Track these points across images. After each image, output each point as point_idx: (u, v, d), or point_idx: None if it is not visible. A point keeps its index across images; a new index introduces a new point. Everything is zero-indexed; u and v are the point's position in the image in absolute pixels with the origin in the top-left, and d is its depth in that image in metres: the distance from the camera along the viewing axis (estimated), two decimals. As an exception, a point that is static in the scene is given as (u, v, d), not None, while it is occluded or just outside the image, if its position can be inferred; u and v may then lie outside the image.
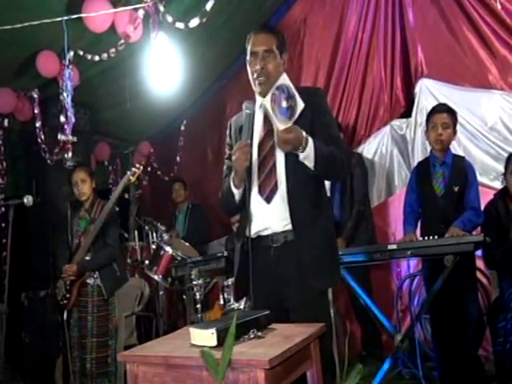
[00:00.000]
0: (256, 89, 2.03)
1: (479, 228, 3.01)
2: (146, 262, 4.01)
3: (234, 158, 1.91)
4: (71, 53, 3.59)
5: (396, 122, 4.13)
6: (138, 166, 3.40)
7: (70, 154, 3.98)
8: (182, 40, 3.66)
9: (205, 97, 5.38)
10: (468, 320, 2.83)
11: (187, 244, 4.17)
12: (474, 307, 2.91)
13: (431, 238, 2.65)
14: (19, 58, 3.76)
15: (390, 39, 4.11)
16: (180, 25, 3.37)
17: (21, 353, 4.15)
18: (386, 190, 4.16)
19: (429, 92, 3.84)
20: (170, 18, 3.35)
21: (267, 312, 1.61)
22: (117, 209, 3.67)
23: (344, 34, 4.34)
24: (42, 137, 4.15)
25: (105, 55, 3.59)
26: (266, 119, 1.97)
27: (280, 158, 1.95)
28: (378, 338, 3.69)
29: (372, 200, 4.06)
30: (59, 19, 3.28)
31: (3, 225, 3.95)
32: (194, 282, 3.03)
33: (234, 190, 1.98)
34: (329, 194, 2.84)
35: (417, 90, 3.89)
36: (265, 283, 1.91)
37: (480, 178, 3.37)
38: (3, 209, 3.85)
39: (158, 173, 5.75)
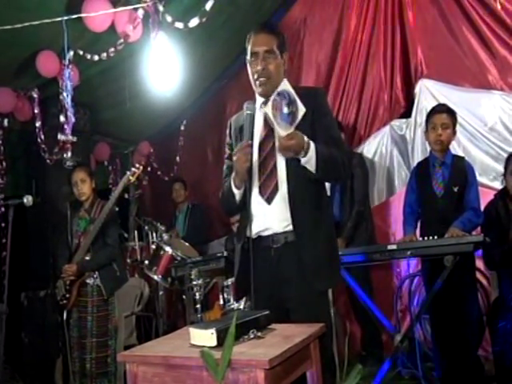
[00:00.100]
0: (257, 89, 2.03)
1: (479, 228, 3.01)
2: (146, 262, 4.01)
3: (234, 158, 1.92)
4: (71, 52, 3.59)
5: (396, 122, 4.13)
6: (137, 166, 3.40)
7: (70, 154, 3.98)
8: (182, 40, 3.66)
9: (204, 97, 5.38)
10: (468, 320, 2.83)
11: (187, 244, 4.17)
12: (474, 307, 2.91)
13: (431, 238, 2.66)
14: (19, 58, 3.76)
15: (390, 39, 4.11)
16: (179, 25, 3.37)
17: (20, 353, 4.15)
18: (386, 190, 4.15)
19: (429, 92, 3.83)
20: (169, 18, 3.35)
21: (267, 312, 1.61)
22: (116, 209, 3.66)
23: (344, 35, 4.34)
24: (42, 137, 4.15)
25: (104, 55, 3.59)
26: (267, 120, 1.97)
27: (281, 158, 1.95)
28: (377, 338, 3.69)
29: (372, 200, 4.05)
30: (59, 19, 3.28)
31: (3, 225, 3.95)
32: (194, 282, 3.02)
33: (235, 191, 1.98)
34: (329, 193, 2.84)
35: (417, 90, 3.89)
36: (265, 283, 1.91)
37: (480, 179, 3.37)
38: (3, 209, 3.85)
39: (158, 173, 5.75)
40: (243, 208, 2.00)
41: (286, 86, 1.91)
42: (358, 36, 4.25)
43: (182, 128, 5.58)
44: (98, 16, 3.30)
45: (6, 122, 4.21)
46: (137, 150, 5.81)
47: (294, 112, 1.83)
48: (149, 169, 5.70)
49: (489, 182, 3.60)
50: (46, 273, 4.35)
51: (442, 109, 3.04)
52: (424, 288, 3.19)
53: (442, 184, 2.97)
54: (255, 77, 2.00)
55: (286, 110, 1.83)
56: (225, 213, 2.50)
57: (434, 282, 2.70)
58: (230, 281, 3.15)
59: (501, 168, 3.19)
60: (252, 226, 1.94)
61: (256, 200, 1.96)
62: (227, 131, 2.18)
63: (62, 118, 3.77)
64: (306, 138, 1.84)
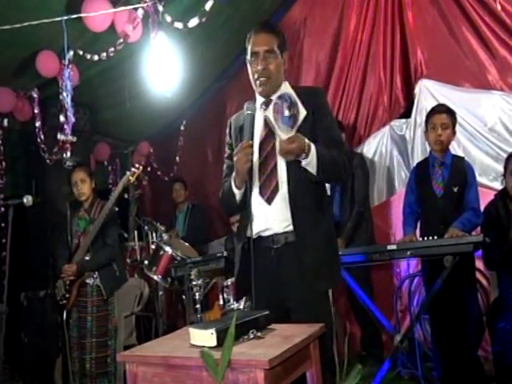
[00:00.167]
0: (257, 89, 2.03)
1: (479, 228, 3.01)
2: (146, 262, 4.00)
3: (235, 158, 1.91)
4: (71, 52, 3.59)
5: (396, 123, 4.13)
6: (137, 166, 3.40)
7: (69, 154, 3.98)
8: (182, 40, 3.66)
9: (204, 97, 5.38)
10: (467, 320, 2.83)
11: (187, 244, 4.17)
12: (474, 307, 2.91)
13: (431, 238, 2.66)
14: (19, 58, 3.76)
15: (390, 40, 4.11)
16: (179, 25, 3.37)
17: (20, 353, 4.14)
18: (386, 191, 4.16)
19: (428, 92, 3.83)
20: (168, 18, 3.35)
21: (267, 312, 1.61)
22: (116, 209, 3.66)
23: (343, 35, 4.34)
24: (42, 137, 4.15)
25: (104, 55, 3.59)
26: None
27: (281, 159, 1.94)
28: (377, 339, 3.69)
29: (372, 200, 4.05)
30: (59, 19, 3.27)
31: (3, 225, 3.95)
32: (194, 282, 3.02)
33: (235, 191, 1.98)
34: (329, 193, 2.83)
35: (416, 90, 3.89)
36: (265, 284, 1.91)
37: (479, 179, 3.37)
38: (3, 209, 3.85)
39: (158, 173, 5.75)
40: (243, 208, 2.00)
41: (287, 88, 1.92)
42: (358, 36, 4.25)
43: (182, 128, 5.58)
44: (97, 16, 3.30)
45: (5, 121, 4.21)
46: (137, 150, 5.81)
47: (295, 115, 1.83)
48: (149, 169, 5.71)
49: (488, 182, 3.61)
50: (45, 273, 4.36)
51: (441, 109, 3.04)
52: (424, 288, 3.19)
53: (441, 184, 2.97)
54: (255, 76, 2.00)
55: (287, 112, 1.84)
56: (225, 212, 2.51)
57: (433, 283, 2.70)
58: (229, 281, 3.15)
59: (501, 168, 3.19)
60: (252, 226, 1.94)
61: (256, 200, 1.96)
62: (227, 130, 2.18)
63: (61, 118, 3.77)
64: (306, 141, 1.84)
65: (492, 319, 2.95)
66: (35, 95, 4.06)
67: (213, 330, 1.41)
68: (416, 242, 2.76)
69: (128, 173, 3.36)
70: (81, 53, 3.63)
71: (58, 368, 3.83)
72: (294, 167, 1.92)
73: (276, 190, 1.93)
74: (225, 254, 3.51)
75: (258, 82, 2.00)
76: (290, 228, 1.92)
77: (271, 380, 1.29)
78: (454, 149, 3.45)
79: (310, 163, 1.86)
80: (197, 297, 3.01)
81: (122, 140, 5.67)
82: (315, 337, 1.58)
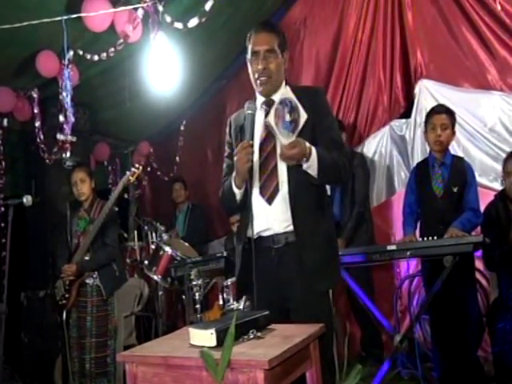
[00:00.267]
0: (257, 88, 2.03)
1: (479, 229, 3.01)
2: (146, 262, 4.00)
3: (235, 158, 1.91)
4: (71, 52, 3.59)
5: (395, 123, 4.13)
6: (137, 166, 3.40)
7: (69, 154, 3.98)
8: (182, 40, 3.66)
9: (204, 97, 5.38)
10: (467, 321, 2.83)
11: (186, 244, 4.17)
12: (474, 308, 2.91)
13: (430, 238, 2.66)
14: (18, 58, 3.75)
15: (390, 40, 4.11)
16: (179, 25, 3.37)
17: (20, 353, 4.15)
18: (386, 191, 4.16)
19: (428, 93, 3.83)
20: (168, 18, 3.35)
21: (266, 312, 1.61)
22: (116, 209, 3.66)
23: (343, 35, 4.34)
24: (42, 136, 4.14)
25: (104, 55, 3.59)
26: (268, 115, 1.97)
27: None
28: (377, 339, 3.69)
29: (371, 201, 4.05)
30: (59, 18, 3.27)
31: (2, 225, 3.95)
32: (194, 282, 3.02)
33: (236, 190, 1.98)
34: (329, 193, 2.84)
35: (416, 90, 3.89)
36: (266, 284, 1.91)
37: (479, 179, 3.38)
38: (2, 208, 3.85)
39: (158, 173, 5.75)
40: (243, 208, 2.00)
41: (287, 93, 1.91)
42: (358, 36, 4.25)
43: (182, 128, 5.58)
44: (97, 16, 3.29)
45: (5, 121, 4.21)
46: (136, 150, 5.81)
47: (296, 119, 1.84)
48: (148, 169, 5.71)
49: (488, 182, 3.61)
50: (45, 273, 4.35)
51: (441, 109, 3.04)
52: (424, 288, 3.19)
53: (441, 184, 2.97)
54: (256, 76, 2.00)
55: (287, 117, 1.84)
56: (225, 212, 2.51)
57: (433, 283, 2.71)
58: (229, 281, 3.15)
59: (500, 168, 3.18)
60: (253, 227, 1.94)
61: (257, 200, 1.95)
62: (227, 129, 2.18)
63: (61, 118, 3.77)
64: (307, 145, 1.84)
65: (492, 319, 2.95)
66: (35, 95, 4.06)
67: (212, 330, 1.41)
68: (416, 243, 2.76)
69: (128, 173, 3.36)
70: (81, 53, 3.63)
71: (57, 368, 3.83)
72: (294, 168, 1.91)
73: (276, 190, 1.93)
74: (225, 254, 3.52)
75: (258, 81, 2.00)
76: (291, 228, 1.92)
77: (271, 380, 1.29)
78: (454, 149, 3.45)
79: (311, 166, 1.87)
80: (197, 297, 3.01)
81: (122, 140, 5.67)
82: (315, 337, 1.58)
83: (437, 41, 3.88)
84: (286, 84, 2.06)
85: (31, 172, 4.74)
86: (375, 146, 4.18)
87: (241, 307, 2.78)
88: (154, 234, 4.71)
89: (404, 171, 4.04)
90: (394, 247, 2.74)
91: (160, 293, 4.24)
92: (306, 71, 4.58)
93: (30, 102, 4.10)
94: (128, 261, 4.91)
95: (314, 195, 1.95)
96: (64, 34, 3.34)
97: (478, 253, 2.99)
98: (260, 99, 2.05)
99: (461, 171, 2.95)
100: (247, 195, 1.95)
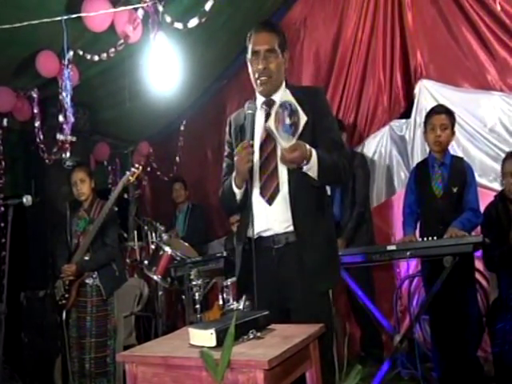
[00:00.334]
0: (257, 88, 2.03)
1: (479, 229, 3.01)
2: (145, 262, 4.00)
3: (236, 158, 1.91)
4: (71, 52, 3.58)
5: (395, 123, 4.13)
6: (137, 166, 3.40)
7: (68, 154, 3.98)
8: (182, 40, 3.66)
9: (204, 97, 5.38)
10: (467, 321, 2.83)
11: (186, 244, 4.16)
12: (473, 308, 2.91)
13: (430, 238, 2.66)
14: (18, 58, 3.75)
15: (390, 40, 4.11)
16: (179, 25, 3.37)
17: (20, 353, 4.14)
18: (385, 191, 4.16)
19: (428, 93, 3.83)
20: (168, 19, 3.35)
21: (266, 312, 1.61)
22: (116, 209, 3.66)
23: (343, 35, 4.34)
24: (41, 136, 4.14)
25: (104, 55, 3.59)
26: (268, 120, 1.96)
27: None
28: (377, 339, 3.69)
29: (371, 201, 4.05)
30: (58, 18, 3.27)
31: (2, 224, 3.94)
32: (194, 283, 3.03)
33: (236, 190, 1.98)
34: (329, 193, 2.84)
35: (416, 90, 3.89)
36: (266, 284, 1.91)
37: (479, 179, 3.38)
38: (2, 208, 3.84)
39: (158, 173, 5.75)
40: (243, 208, 2.00)
41: (287, 96, 1.91)
42: (358, 36, 4.25)
43: (182, 128, 5.58)
44: (97, 16, 3.29)
45: (5, 121, 4.21)
46: (136, 150, 5.81)
47: (296, 123, 1.84)
48: (148, 169, 5.71)
49: (488, 183, 3.61)
50: (45, 273, 4.35)
51: (440, 110, 3.04)
52: (423, 288, 3.19)
53: (441, 185, 2.97)
54: (256, 76, 2.00)
55: (287, 120, 1.84)
56: (225, 212, 2.51)
57: (433, 283, 2.71)
58: (229, 281, 3.15)
59: (500, 169, 3.18)
60: (254, 227, 1.93)
61: (257, 200, 1.95)
62: (227, 129, 2.17)
63: (60, 118, 3.77)
64: (308, 147, 1.84)
65: (491, 320, 2.95)
66: (35, 95, 4.06)
67: (212, 330, 1.41)
68: (416, 243, 2.76)
69: (128, 173, 3.36)
70: (81, 53, 3.63)
71: (57, 368, 3.83)
72: (294, 169, 1.91)
73: (277, 190, 1.93)
74: (224, 254, 3.52)
75: (258, 81, 2.00)
76: (291, 228, 1.92)
77: (271, 380, 1.29)
78: (454, 149, 3.45)
79: (312, 169, 1.87)
80: (196, 297, 3.01)
81: (122, 140, 5.67)
82: (315, 337, 1.58)
83: (437, 41, 3.88)
84: (286, 84, 2.06)
85: (31, 172, 4.73)
86: (375, 146, 4.18)
87: (240, 307, 2.79)
88: (153, 234, 4.71)
89: (404, 171, 4.04)
90: (393, 247, 2.74)
91: (160, 293, 4.24)
92: (305, 71, 4.58)
93: (30, 102, 4.10)
94: (128, 261, 4.91)
95: (314, 196, 1.95)
96: (64, 34, 3.34)
97: (478, 253, 2.99)
98: (260, 99, 2.05)
99: (460, 171, 2.95)
100: (247, 195, 1.95)
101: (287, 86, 2.06)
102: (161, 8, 3.35)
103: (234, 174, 1.97)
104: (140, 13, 3.40)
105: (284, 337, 1.49)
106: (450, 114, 3.00)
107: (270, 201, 1.94)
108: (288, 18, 4.67)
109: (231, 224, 4.23)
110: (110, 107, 4.76)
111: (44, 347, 4.04)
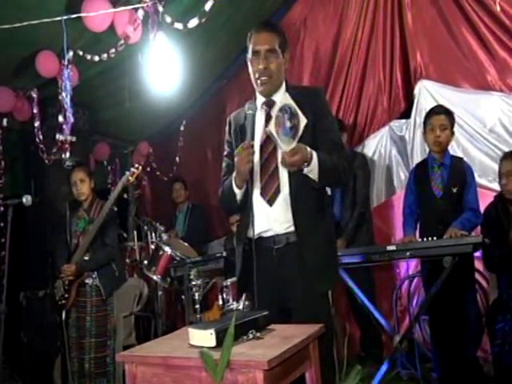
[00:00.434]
0: (258, 88, 2.03)
1: (478, 229, 3.01)
2: (145, 262, 4.00)
3: (236, 158, 1.91)
4: (70, 53, 3.58)
5: (395, 123, 4.14)
6: (137, 166, 3.40)
7: (68, 154, 3.98)
8: (182, 40, 3.66)
9: (204, 97, 5.38)
10: (467, 321, 2.83)
11: (186, 244, 4.16)
12: (473, 308, 2.91)
13: (430, 239, 2.66)
14: (18, 58, 3.75)
15: (389, 40, 4.11)
16: (179, 25, 3.37)
17: (19, 353, 4.14)
18: (385, 191, 4.16)
19: (428, 93, 3.84)
20: (168, 19, 3.35)
21: (266, 312, 1.61)
22: (116, 209, 3.66)
23: (343, 35, 4.34)
24: (41, 136, 4.14)
25: (104, 55, 3.59)
26: (268, 120, 1.96)
27: None
28: (377, 339, 3.69)
29: (371, 201, 4.05)
30: (58, 19, 3.27)
31: (2, 224, 3.94)
32: (193, 283, 3.02)
33: (236, 190, 1.97)
34: (329, 193, 2.84)
35: (416, 91, 3.90)
36: (267, 284, 1.91)
37: (479, 180, 3.38)
38: (2, 208, 3.84)
39: (158, 173, 5.75)
40: (243, 208, 1.99)
41: (286, 99, 1.91)
42: (358, 36, 4.26)
43: (182, 128, 5.58)
44: (97, 16, 3.29)
45: (5, 121, 4.21)
46: (136, 150, 5.80)
47: (296, 125, 1.83)
48: (148, 169, 5.70)
49: (488, 183, 3.61)
50: (44, 273, 4.35)
51: (439, 110, 3.04)
52: (423, 289, 3.19)
53: (440, 185, 2.98)
54: (256, 76, 2.00)
55: (288, 124, 1.83)
56: (224, 211, 2.51)
57: (433, 283, 2.70)
58: (229, 281, 3.15)
59: (500, 169, 3.19)
60: (254, 227, 1.93)
61: (257, 201, 1.95)
62: (226, 128, 2.17)
63: (60, 118, 3.77)
64: (308, 150, 1.84)
65: (491, 320, 2.95)
66: (34, 95, 4.06)
67: (212, 331, 1.41)
68: (415, 243, 2.76)
69: (127, 173, 3.35)
70: (81, 53, 3.63)
71: (57, 368, 3.83)
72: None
73: (277, 191, 1.93)
74: (224, 254, 3.51)
75: (258, 81, 2.00)
76: (292, 229, 1.93)
77: (270, 380, 1.29)
78: (454, 149, 3.45)
79: (312, 171, 1.87)
80: (196, 297, 3.00)
81: (122, 140, 5.67)
82: (314, 337, 1.57)
83: (436, 41, 3.88)
84: (286, 84, 2.06)
85: (31, 172, 4.73)
86: (375, 146, 4.19)
87: (240, 307, 2.79)
88: (153, 234, 4.70)
89: (403, 171, 4.04)
90: (393, 248, 2.74)
91: (159, 293, 4.24)
92: (305, 71, 4.59)
93: (30, 102, 4.10)
94: (127, 261, 4.91)
95: (314, 196, 1.95)
96: (64, 34, 3.34)
97: (478, 253, 2.99)
98: (260, 99, 2.05)
99: (460, 172, 2.96)
100: (247, 195, 1.95)
101: (287, 87, 2.05)
102: (161, 8, 3.35)
103: (234, 174, 1.97)
104: (140, 13, 3.40)
105: (284, 337, 1.49)
106: (449, 114, 3.00)
107: (271, 201, 1.94)
108: (288, 18, 4.68)
109: (231, 224, 4.24)
110: (109, 107, 4.76)
111: (43, 347, 4.04)
